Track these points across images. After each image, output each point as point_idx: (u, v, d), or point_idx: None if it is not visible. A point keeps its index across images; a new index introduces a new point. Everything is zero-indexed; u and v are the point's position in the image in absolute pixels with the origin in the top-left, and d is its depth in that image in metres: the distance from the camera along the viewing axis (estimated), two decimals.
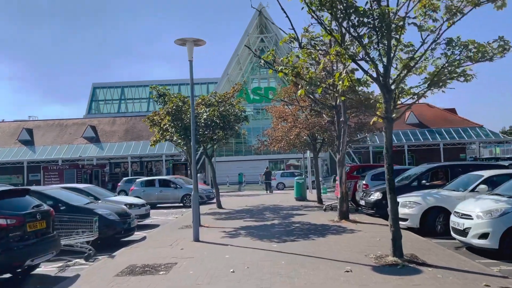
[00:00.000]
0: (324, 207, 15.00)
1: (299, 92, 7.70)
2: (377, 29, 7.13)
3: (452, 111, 49.72)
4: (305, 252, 7.77)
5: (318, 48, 9.03)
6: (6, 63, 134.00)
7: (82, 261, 8.43)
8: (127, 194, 20.68)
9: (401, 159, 41.99)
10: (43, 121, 51.40)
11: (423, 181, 12.60)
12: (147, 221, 14.28)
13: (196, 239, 9.53)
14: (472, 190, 9.66)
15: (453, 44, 6.99)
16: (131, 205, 13.15)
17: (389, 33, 7.08)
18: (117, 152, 44.26)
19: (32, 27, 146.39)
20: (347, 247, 8.15)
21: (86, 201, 10.52)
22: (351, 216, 12.22)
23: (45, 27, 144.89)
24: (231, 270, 6.61)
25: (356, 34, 7.14)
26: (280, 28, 10.05)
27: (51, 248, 7.35)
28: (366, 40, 7.25)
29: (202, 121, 11.59)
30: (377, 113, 7.28)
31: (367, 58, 7.36)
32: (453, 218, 8.32)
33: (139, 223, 13.56)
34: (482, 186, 9.53)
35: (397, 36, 7.25)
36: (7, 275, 7.20)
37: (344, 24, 7.16)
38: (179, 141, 12.41)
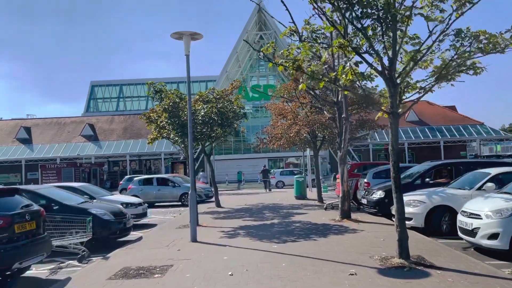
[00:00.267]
0: (324, 206, 14.69)
1: (300, 86, 7.37)
2: (381, 21, 6.81)
3: (453, 108, 49.43)
4: (307, 253, 7.46)
5: (319, 41, 8.68)
6: (4, 61, 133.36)
7: (75, 262, 8.12)
8: None
9: (401, 157, 41.73)
10: (41, 120, 51.01)
11: (427, 179, 12.30)
12: (144, 221, 13.96)
13: (194, 239, 9.22)
14: (479, 189, 9.35)
15: (462, 35, 6.67)
16: (127, 204, 12.83)
17: (395, 24, 6.76)
18: (115, 150, 43.90)
19: (31, 25, 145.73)
20: (350, 248, 7.84)
21: (80, 201, 10.19)
22: (353, 215, 11.91)
23: (44, 26, 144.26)
24: (230, 273, 6.30)
25: (360, 26, 6.81)
26: (279, 22, 9.71)
27: (42, 250, 7.03)
28: (370, 32, 6.93)
29: (200, 118, 11.25)
30: (382, 108, 6.95)
31: (372, 51, 7.04)
32: (460, 217, 8.02)
33: (135, 222, 13.24)
34: (489, 184, 9.22)
35: (403, 28, 6.93)
36: None
37: (347, 15, 6.83)
38: (176, 138, 12.07)
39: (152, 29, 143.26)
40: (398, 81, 6.89)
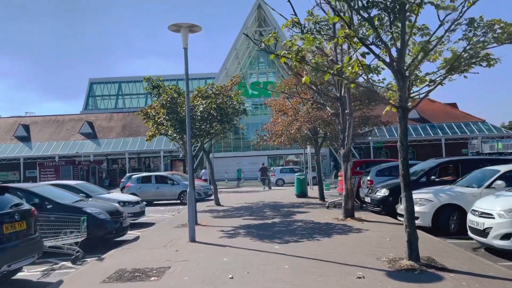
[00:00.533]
0: (327, 205, 14.35)
1: (303, 79, 7.01)
2: (389, 10, 6.46)
3: (454, 105, 49.09)
4: (310, 254, 7.12)
5: (323, 33, 8.32)
6: (3, 59, 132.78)
7: (69, 263, 7.79)
8: None
9: None
10: (39, 117, 50.65)
11: (432, 177, 11.96)
12: (142, 219, 13.63)
13: (192, 239, 8.88)
14: (488, 187, 9.02)
15: (475, 25, 6.32)
16: (124, 203, 12.50)
17: (403, 13, 6.40)
18: (114, 148, 43.57)
19: (30, 23, 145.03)
20: (356, 248, 7.50)
21: (75, 199, 9.85)
22: (356, 214, 11.58)
23: (43, 24, 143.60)
24: (230, 276, 5.96)
25: (367, 15, 6.45)
26: (281, 15, 9.35)
27: (32, 251, 6.68)
28: (377, 23, 6.57)
29: (198, 114, 10.88)
30: (391, 101, 6.60)
31: (379, 42, 6.68)
32: (471, 217, 7.68)
33: (133, 221, 12.92)
34: (499, 182, 8.87)
35: (412, 18, 6.57)
36: None
37: (353, 4, 6.48)
38: (175, 135, 11.71)
39: (151, 26, 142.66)
40: (407, 73, 6.54)
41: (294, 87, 16.35)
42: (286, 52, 6.81)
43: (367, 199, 12.79)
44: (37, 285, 6.78)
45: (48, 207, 8.94)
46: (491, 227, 6.97)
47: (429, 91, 6.68)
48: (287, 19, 8.35)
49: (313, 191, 21.05)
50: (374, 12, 6.61)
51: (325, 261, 6.62)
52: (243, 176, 39.66)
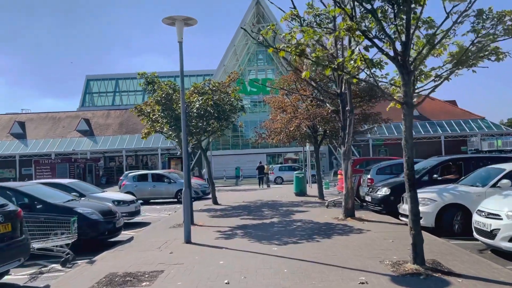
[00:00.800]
0: (326, 204, 14.06)
1: (303, 73, 6.69)
2: (393, 1, 6.13)
3: (453, 103, 48.84)
4: (310, 257, 6.82)
5: (323, 27, 7.98)
6: (0, 56, 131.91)
7: (58, 266, 7.45)
8: None
9: (401, 152, 41.00)
10: (35, 114, 50.17)
11: (434, 176, 11.67)
12: (137, 219, 13.32)
13: (188, 240, 8.57)
14: (493, 186, 8.73)
15: (484, 17, 6.00)
16: (119, 202, 12.17)
17: (408, 5, 6.07)
18: (111, 145, 43.19)
19: (27, 20, 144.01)
20: (357, 250, 7.20)
21: (66, 199, 9.51)
22: (357, 214, 11.29)
23: (40, 21, 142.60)
24: (226, 281, 5.65)
25: (370, 7, 6.12)
26: (279, 8, 9.02)
27: (18, 254, 6.35)
28: (380, 15, 6.25)
29: (195, 110, 10.54)
30: (395, 97, 6.29)
31: (382, 35, 6.37)
32: (477, 217, 7.38)
33: (128, 221, 12.61)
34: (505, 181, 8.59)
35: (418, 10, 6.25)
36: None
37: None
38: (170, 132, 11.36)
39: (149, 25, 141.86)
40: (412, 67, 6.22)
41: (294, 84, 16.02)
42: (285, 46, 6.50)
43: (368, 198, 12.50)
44: None
45: (37, 207, 8.61)
46: (499, 229, 6.68)
47: (435, 86, 6.36)
48: (286, 13, 8.04)
49: (312, 189, 20.77)
50: (377, 3, 6.31)
51: (325, 265, 6.32)
52: (241, 174, 39.38)
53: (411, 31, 6.23)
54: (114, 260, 7.40)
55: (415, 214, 5.97)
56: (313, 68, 6.45)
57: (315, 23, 7.92)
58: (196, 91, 11.73)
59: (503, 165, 9.41)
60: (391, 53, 6.25)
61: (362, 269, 5.98)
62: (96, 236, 8.89)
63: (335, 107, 11.93)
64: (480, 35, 6.10)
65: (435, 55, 6.94)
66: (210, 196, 17.66)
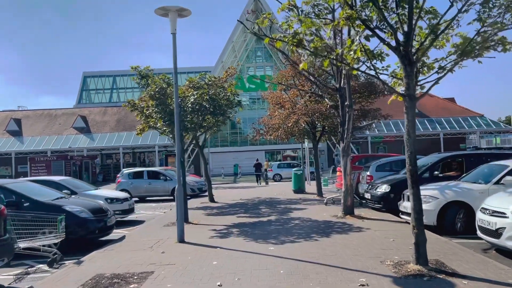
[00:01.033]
0: (325, 201, 13.78)
1: (301, 65, 6.37)
2: None
3: (452, 100, 48.56)
4: (308, 257, 6.53)
5: (322, 17, 7.66)
6: None
7: (45, 267, 7.15)
8: None
9: (400, 149, 40.90)
10: (32, 111, 49.68)
11: (435, 172, 11.40)
12: (131, 217, 13.01)
13: (181, 240, 8.27)
14: (497, 183, 8.46)
15: (490, 5, 5.69)
16: (112, 200, 11.87)
17: None
18: (108, 143, 42.76)
19: (25, 17, 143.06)
20: (357, 250, 6.92)
21: (55, 196, 9.20)
22: (356, 211, 11.02)
23: (38, 18, 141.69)
24: (218, 283, 5.35)
25: None
26: (277, 0, 8.68)
27: (1, 254, 6.04)
28: (381, 4, 5.94)
29: (189, 105, 10.21)
30: (397, 89, 5.99)
31: (383, 26, 6.06)
32: (481, 215, 7.09)
33: (121, 219, 12.33)
34: (509, 178, 8.32)
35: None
36: None
37: None
38: (165, 128, 11.04)
39: (148, 22, 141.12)
40: (415, 58, 5.92)
41: (292, 79, 15.70)
42: (282, 36, 6.18)
43: (367, 195, 12.21)
44: None
45: (25, 205, 8.30)
46: (504, 227, 6.39)
47: (439, 78, 6.06)
48: (283, 3, 7.71)
49: (310, 186, 20.50)
50: None
51: (324, 265, 6.03)
52: (240, 172, 39.09)
53: (414, 21, 5.93)
54: (103, 260, 7.09)
55: (418, 212, 5.68)
56: (311, 59, 6.12)
57: (313, 14, 7.59)
58: (191, 85, 11.40)
59: (506, 161, 9.13)
60: (393, 43, 5.96)
61: (362, 270, 5.69)
62: (85, 235, 8.58)
63: (334, 103, 11.63)
64: (486, 24, 5.80)
65: (438, 47, 6.63)
66: (207, 193, 17.36)
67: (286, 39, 6.04)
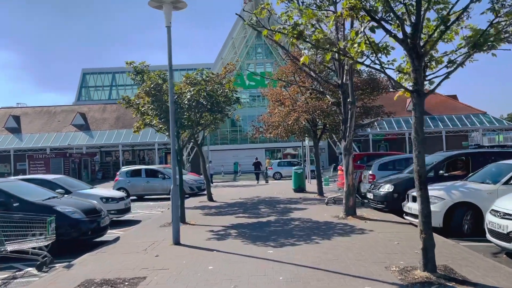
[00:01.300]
0: (326, 201, 13.44)
1: (302, 59, 6.02)
2: None
3: (454, 97, 48.11)
4: (309, 262, 6.19)
5: (323, 9, 7.29)
6: None
7: (34, 270, 6.83)
8: None
9: (402, 147, 40.53)
10: (30, 108, 49.38)
11: (441, 172, 11.05)
12: (127, 216, 12.69)
13: (177, 242, 7.93)
14: (506, 183, 8.10)
15: None
16: (107, 199, 11.55)
17: None
18: (107, 140, 42.46)
19: (26, 15, 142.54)
20: (360, 254, 6.58)
21: (47, 196, 8.87)
22: (358, 212, 10.68)
23: (38, 15, 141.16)
24: None
25: None
26: None
27: None
28: None
29: (186, 102, 9.86)
30: (404, 85, 5.64)
31: (388, 17, 5.70)
32: (491, 218, 6.75)
33: (117, 219, 12.03)
34: None
35: None
36: None
37: None
38: (161, 126, 10.69)
39: (148, 20, 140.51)
40: (423, 51, 5.56)
41: (292, 75, 15.33)
42: (281, 28, 5.82)
43: (370, 195, 11.87)
44: None
45: (14, 205, 7.97)
46: None
47: (449, 72, 5.70)
48: None
49: (311, 185, 20.16)
50: None
51: (325, 271, 5.69)
52: (240, 170, 38.76)
53: (422, 11, 5.57)
54: (94, 264, 6.77)
55: (426, 215, 5.35)
56: (312, 52, 5.76)
57: (314, 5, 7.23)
58: (188, 81, 11.04)
59: None
60: (400, 36, 5.60)
61: (366, 277, 5.35)
62: (78, 236, 8.25)
63: (336, 99, 11.27)
64: (499, 14, 5.43)
65: (446, 40, 6.27)
66: (206, 192, 17.03)
67: (286, 31, 5.69)
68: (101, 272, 6.18)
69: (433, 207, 8.25)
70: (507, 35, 5.50)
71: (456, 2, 5.64)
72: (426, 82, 5.66)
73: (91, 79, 56.94)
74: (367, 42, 5.61)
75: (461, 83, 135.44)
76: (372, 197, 11.63)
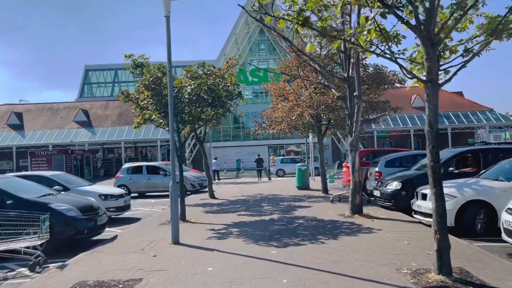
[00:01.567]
0: (331, 198, 13.08)
1: (308, 47, 5.66)
2: None
3: (459, 94, 47.48)
4: (314, 263, 5.85)
5: None
6: (3, 48, 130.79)
7: (27, 271, 6.54)
8: None
9: (407, 144, 40.03)
10: (33, 105, 49.18)
11: (450, 168, 10.65)
12: (127, 214, 12.39)
13: (176, 241, 7.62)
14: None
15: None
16: (106, 196, 11.25)
17: None
18: (110, 137, 42.19)
19: (29, 12, 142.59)
20: (369, 255, 6.23)
21: (43, 193, 8.57)
22: (364, 210, 10.32)
23: (41, 13, 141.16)
24: None
25: None
26: None
27: None
28: None
29: (186, 96, 9.52)
30: (417, 74, 5.26)
31: (400, 3, 5.32)
32: (506, 217, 6.36)
33: (116, 216, 11.75)
34: None
35: None
36: None
37: None
38: (161, 121, 10.36)
39: (151, 17, 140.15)
40: (438, 38, 5.19)
41: (296, 70, 14.94)
42: (286, 14, 5.46)
43: (376, 193, 11.50)
44: None
45: (7, 202, 7.67)
46: None
47: (466, 61, 5.31)
48: None
49: (315, 182, 19.80)
50: None
51: (332, 273, 5.34)
52: (242, 167, 38.43)
53: None
54: (89, 264, 6.46)
55: (441, 215, 4.98)
56: (318, 41, 5.39)
57: None
58: (189, 75, 10.69)
59: None
60: (413, 22, 5.22)
61: (376, 280, 5.00)
62: (73, 235, 7.94)
63: (342, 93, 10.88)
64: None
65: (459, 29, 5.89)
66: (207, 189, 16.71)
67: (290, 18, 5.32)
68: (95, 273, 5.87)
69: None
70: None
71: None
72: (441, 72, 5.28)
73: (94, 76, 56.66)
74: (377, 29, 5.25)
75: (467, 79, 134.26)
76: (379, 195, 11.26)
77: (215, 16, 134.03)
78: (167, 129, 10.20)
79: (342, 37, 5.34)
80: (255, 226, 9.09)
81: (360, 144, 36.33)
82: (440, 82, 5.20)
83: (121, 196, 11.84)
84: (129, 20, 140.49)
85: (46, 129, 43.58)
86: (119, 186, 17.66)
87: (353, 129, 9.97)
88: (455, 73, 5.30)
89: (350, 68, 9.95)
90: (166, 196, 18.08)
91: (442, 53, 5.80)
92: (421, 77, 5.24)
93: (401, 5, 5.41)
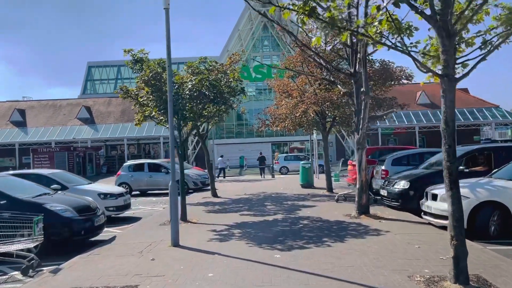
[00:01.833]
0: (336, 197, 12.74)
1: (314, 40, 5.31)
2: None
3: (465, 91, 46.87)
4: (320, 268, 5.52)
5: None
6: (3, 45, 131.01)
7: (19, 275, 6.27)
8: None
9: (412, 141, 39.56)
10: (36, 102, 49.07)
11: (461, 167, 10.26)
12: (127, 213, 12.12)
13: (175, 243, 7.32)
14: None
15: None
16: (105, 195, 10.98)
17: None
18: (112, 134, 41.99)
19: (32, 9, 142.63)
20: (378, 260, 5.89)
21: (38, 193, 8.29)
22: (371, 209, 9.98)
23: (44, 10, 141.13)
24: None
25: None
26: None
27: None
28: None
29: (187, 92, 9.20)
30: (431, 68, 4.91)
31: None
32: None
33: (116, 215, 11.47)
34: None
35: None
36: None
37: None
38: (161, 118, 10.05)
39: (153, 14, 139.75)
40: (456, 28, 4.82)
41: (301, 65, 14.57)
42: (291, 3, 5.11)
43: (383, 192, 11.16)
44: None
45: (1, 203, 7.39)
46: None
47: (485, 54, 4.95)
48: None
49: (319, 180, 19.46)
50: None
51: (340, 281, 5.02)
52: (245, 164, 38.15)
53: None
54: (84, 268, 6.17)
55: (458, 219, 4.64)
56: (326, 32, 5.04)
57: None
58: (190, 70, 10.36)
59: None
60: (428, 12, 4.86)
61: None
62: (69, 236, 7.66)
63: (348, 89, 10.52)
64: None
65: (475, 21, 5.53)
66: (210, 187, 16.41)
67: (296, 7, 4.98)
68: (90, 278, 5.58)
69: None
70: None
71: None
72: (457, 66, 4.93)
73: (97, 72, 56.48)
74: (390, 19, 4.89)
75: (473, 75, 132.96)
76: (386, 194, 10.91)
77: (217, 12, 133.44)
78: (167, 126, 9.87)
79: (352, 28, 4.99)
80: (258, 227, 8.77)
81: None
82: (457, 76, 4.85)
83: (121, 195, 11.56)
84: (132, 16, 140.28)
85: (48, 126, 43.45)
86: (120, 184, 17.43)
87: (360, 127, 9.61)
88: (474, 66, 4.94)
89: (357, 63, 9.58)
90: (168, 194, 17.72)
91: (457, 46, 5.45)
92: (436, 71, 4.87)
93: None
